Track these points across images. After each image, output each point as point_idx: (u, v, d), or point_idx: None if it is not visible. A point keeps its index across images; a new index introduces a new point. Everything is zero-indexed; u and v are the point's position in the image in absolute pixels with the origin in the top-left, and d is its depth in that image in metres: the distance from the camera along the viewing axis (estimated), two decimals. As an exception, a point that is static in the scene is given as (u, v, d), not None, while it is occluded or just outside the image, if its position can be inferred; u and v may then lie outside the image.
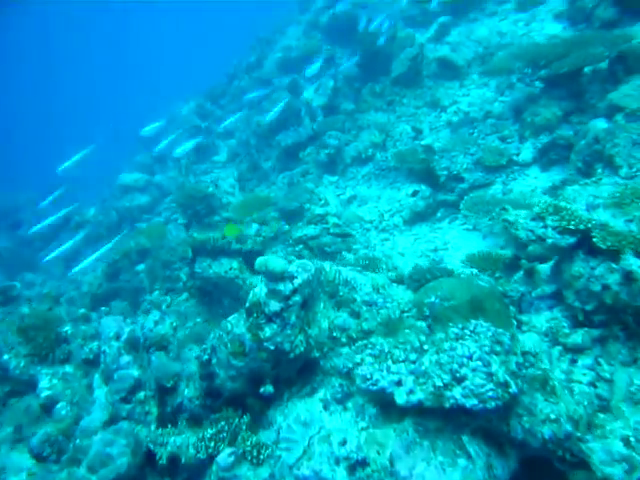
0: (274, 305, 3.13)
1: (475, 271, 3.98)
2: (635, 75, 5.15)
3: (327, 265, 3.77)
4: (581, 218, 3.15)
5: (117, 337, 3.87)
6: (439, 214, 5.76)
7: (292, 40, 14.13)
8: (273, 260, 3.14)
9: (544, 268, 3.87)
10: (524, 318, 3.36)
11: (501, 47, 7.97)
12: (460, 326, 2.81)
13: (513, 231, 4.11)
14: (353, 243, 5.73)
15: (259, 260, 3.20)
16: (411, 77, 8.19)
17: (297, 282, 3.17)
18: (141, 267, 8.21)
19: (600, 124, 4.55)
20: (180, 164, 12.31)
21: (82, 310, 5.12)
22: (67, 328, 4.28)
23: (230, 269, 5.62)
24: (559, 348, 3.05)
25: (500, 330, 2.72)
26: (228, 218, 7.84)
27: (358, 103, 8.36)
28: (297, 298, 3.17)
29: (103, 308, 6.77)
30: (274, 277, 3.15)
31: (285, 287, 3.15)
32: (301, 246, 5.87)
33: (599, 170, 4.44)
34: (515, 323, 3.25)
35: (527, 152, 5.49)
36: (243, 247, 6.27)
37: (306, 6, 15.60)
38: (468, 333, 2.74)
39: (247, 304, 3.24)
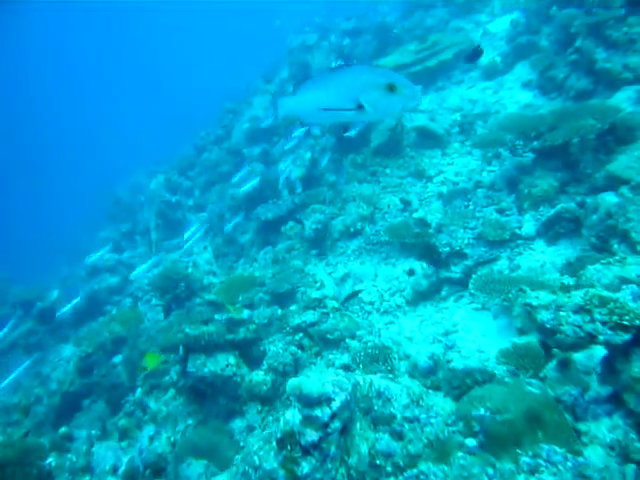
0: (311, 435, 2.69)
1: (512, 368, 3.66)
2: (629, 145, 5.16)
3: (360, 378, 3.36)
4: (635, 312, 2.91)
5: (114, 470, 3.31)
6: (443, 292, 5.49)
7: (259, 110, 14.19)
8: (308, 383, 2.74)
9: (580, 358, 3.59)
10: (582, 427, 3.03)
11: (479, 116, 8.07)
12: (531, 453, 2.44)
13: (537, 316, 3.86)
14: (356, 329, 5.35)
15: (291, 383, 2.78)
16: (392, 147, 8.15)
17: (335, 405, 2.76)
18: (118, 359, 7.54)
19: (610, 198, 4.45)
20: (150, 240, 11.82)
21: (63, 429, 4.48)
22: (51, 459, 3.66)
23: (227, 366, 5.11)
24: (633, 467, 2.70)
25: (581, 459, 2.36)
26: (213, 301, 7.36)
27: (339, 174, 8.20)
28: (336, 424, 2.75)
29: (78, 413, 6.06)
30: (310, 402, 2.73)
31: (323, 412, 2.72)
32: (301, 334, 5.45)
33: (615, 246, 4.30)
34: (575, 435, 2.90)
35: (529, 225, 5.35)
36: (235, 337, 5.81)
37: (271, 77, 15.86)
38: (543, 463, 2.37)
39: (279, 434, 2.78)
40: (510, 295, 4.39)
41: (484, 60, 10.51)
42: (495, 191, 6.17)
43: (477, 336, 4.83)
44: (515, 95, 8.94)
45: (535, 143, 5.67)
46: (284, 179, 9.10)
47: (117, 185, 24.63)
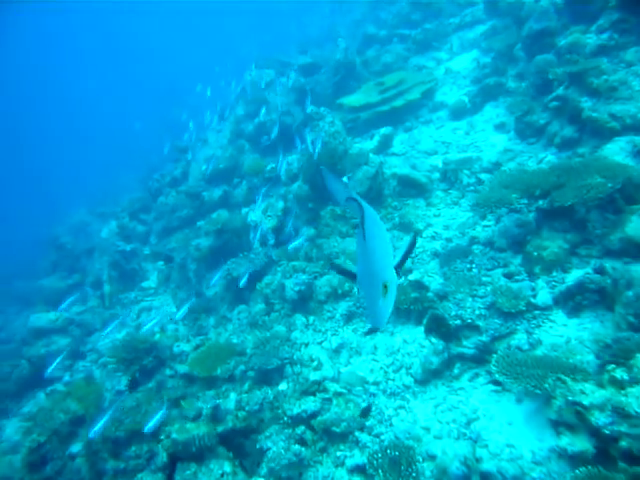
0: None
1: None
2: (641, 205, 4.92)
3: None
4: None
5: None
6: (456, 370, 4.99)
7: (216, 149, 13.50)
8: None
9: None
10: None
11: (462, 163, 7.76)
12: None
13: (590, 418, 3.41)
14: (364, 418, 4.75)
15: None
16: (373, 197, 7.71)
17: None
18: (76, 448, 6.53)
19: (643, 272, 4.13)
20: (103, 293, 10.80)
21: None
22: None
23: (222, 476, 4.36)
24: None
25: None
26: (187, 374, 6.56)
27: (319, 227, 7.65)
28: None
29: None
30: None
31: None
32: (302, 427, 4.77)
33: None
34: None
35: (545, 293, 4.97)
36: (220, 426, 5.07)
37: (227, 112, 15.20)
38: None
39: None
40: (546, 385, 3.94)
41: (451, 99, 10.39)
42: (497, 251, 5.79)
43: (502, 425, 4.35)
44: (489, 137, 8.76)
45: (541, 202, 5.35)
46: (254, 231, 8.44)
47: (57, 225, 23.02)
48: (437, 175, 7.89)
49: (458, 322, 4.97)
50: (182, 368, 6.67)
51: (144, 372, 6.91)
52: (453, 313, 5.05)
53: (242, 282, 7.22)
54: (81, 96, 52.28)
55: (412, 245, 2.46)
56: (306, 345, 6.12)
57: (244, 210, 10.50)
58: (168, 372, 6.83)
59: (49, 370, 8.11)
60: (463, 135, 9.27)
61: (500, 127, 8.76)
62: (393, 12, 15.79)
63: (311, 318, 6.59)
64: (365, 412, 4.76)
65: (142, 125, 26.32)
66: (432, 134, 9.76)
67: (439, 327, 5.08)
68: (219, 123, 14.84)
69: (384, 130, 9.63)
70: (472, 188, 7.29)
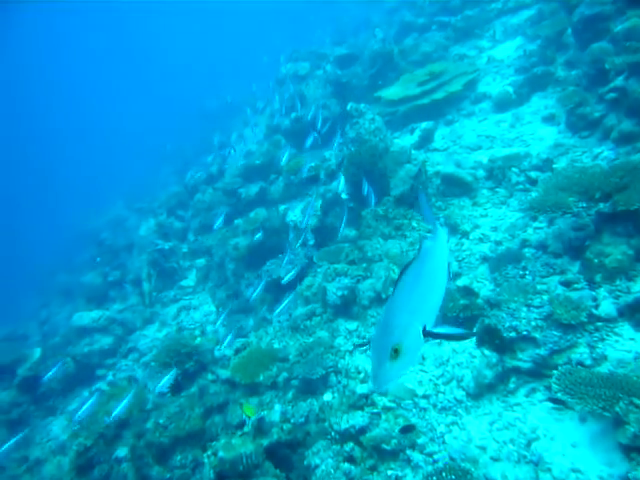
0: None
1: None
2: None
3: None
4: None
5: None
6: (511, 384, 4.75)
7: (252, 145, 13.41)
8: None
9: None
10: None
11: (508, 160, 7.41)
12: None
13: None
14: (416, 435, 4.56)
15: None
16: (416, 196, 7.44)
17: None
18: (122, 452, 6.57)
19: None
20: (143, 290, 10.88)
21: None
22: None
23: (273, 495, 4.28)
24: None
25: None
26: (229, 380, 6.50)
27: (361, 228, 7.45)
28: None
29: None
30: None
31: None
32: (351, 444, 4.63)
33: None
34: None
35: (608, 304, 4.66)
36: (265, 440, 4.98)
37: (263, 105, 15.09)
38: None
39: None
40: (617, 409, 3.67)
41: (494, 90, 9.97)
42: (552, 256, 5.48)
43: (566, 446, 4.09)
44: (537, 131, 8.35)
45: (602, 206, 5.01)
46: (294, 231, 8.31)
47: (95, 219, 23.48)
48: (483, 173, 7.55)
49: (513, 334, 4.71)
50: (224, 373, 6.61)
51: (186, 376, 6.89)
52: (507, 324, 4.79)
53: (286, 279, 7.16)
54: (116, 92, 53.31)
55: (459, 337, 2.28)
56: (351, 352, 5.96)
57: (282, 207, 10.37)
58: (210, 377, 6.79)
59: (45, 378, 8.26)
60: (508, 128, 8.88)
61: (549, 119, 8.34)
62: (430, -2, 15.25)
63: (354, 324, 6.41)
64: (409, 429, 4.56)
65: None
66: (475, 127, 9.38)
67: (492, 339, 4.83)
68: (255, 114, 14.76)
69: (425, 124, 9.32)
70: (521, 187, 6.95)
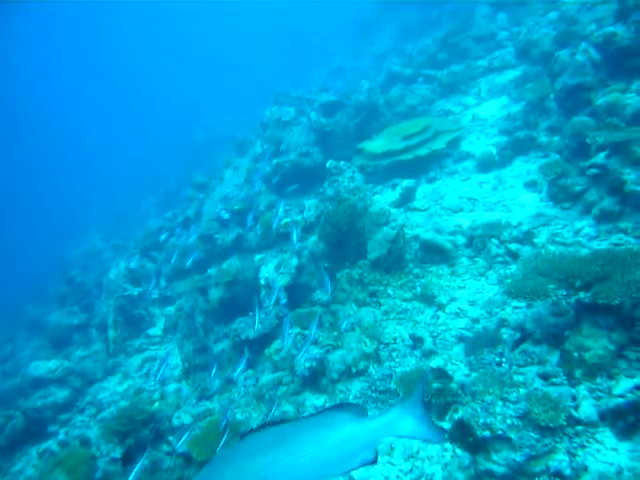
0: None
1: None
2: (701, 310, 4.32)
3: None
4: None
5: None
6: (484, 488, 4.39)
7: (232, 188, 13.17)
8: None
9: None
10: None
11: (489, 228, 7.22)
12: None
13: None
14: None
15: None
16: (392, 261, 7.18)
17: None
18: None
19: None
20: (108, 337, 10.38)
21: None
22: None
23: None
24: None
25: None
26: (185, 454, 6.05)
27: (335, 292, 7.15)
28: None
29: None
30: None
31: None
32: None
33: None
34: None
35: (588, 405, 4.36)
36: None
37: (246, 148, 14.94)
38: None
39: None
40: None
41: (478, 149, 9.91)
42: (530, 341, 5.21)
43: None
44: (518, 196, 8.23)
45: (582, 295, 4.78)
46: (265, 289, 7.98)
47: (72, 248, 22.91)
48: (463, 239, 7.34)
49: (487, 433, 4.38)
50: (181, 446, 6.15)
51: (140, 445, 6.41)
52: (481, 421, 4.47)
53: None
54: (106, 111, 53.11)
55: None
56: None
57: (257, 257, 10.06)
58: (165, 448, 6.33)
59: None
60: (490, 190, 8.75)
61: (531, 185, 8.23)
62: (418, 47, 15.45)
63: (322, 399, 6.04)
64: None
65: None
66: (457, 187, 9.25)
67: (465, 436, 4.49)
68: (240, 156, 14.58)
69: (406, 183, 9.15)
70: (501, 259, 6.74)
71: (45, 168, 47.57)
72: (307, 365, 6.19)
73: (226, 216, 11.31)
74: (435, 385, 5.24)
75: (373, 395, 5.79)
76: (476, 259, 7.00)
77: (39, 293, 19.26)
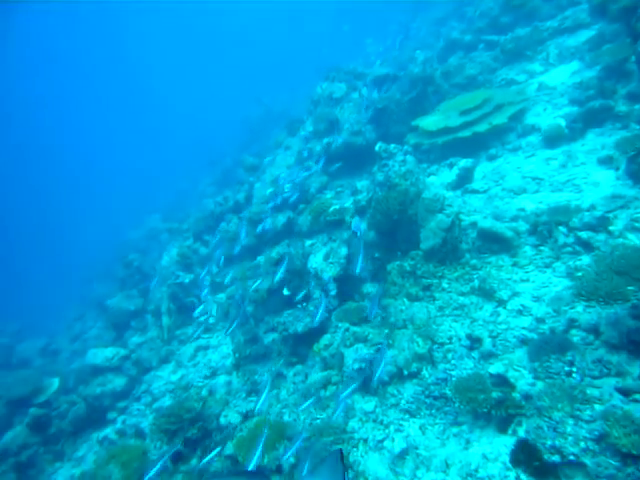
0: None
1: None
2: None
3: None
4: None
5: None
6: (551, 518, 3.90)
7: (282, 169, 12.84)
8: None
9: None
10: None
11: (555, 212, 6.48)
12: None
13: None
14: None
15: None
16: (448, 251, 6.62)
17: None
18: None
19: None
20: (162, 324, 10.45)
21: None
22: None
23: None
24: None
25: None
26: (232, 456, 5.88)
27: (385, 284, 6.70)
28: None
29: None
30: None
31: None
32: None
33: None
34: None
35: (677, 429, 3.75)
36: None
37: (297, 126, 14.52)
38: None
39: None
40: None
41: (544, 122, 9.01)
42: (605, 346, 4.58)
43: None
44: (591, 174, 7.37)
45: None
46: (314, 279, 7.63)
47: (130, 230, 23.60)
48: (525, 226, 6.65)
49: (556, 458, 3.87)
50: (228, 446, 6.00)
51: (188, 444, 6.32)
52: (549, 443, 3.95)
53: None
54: (165, 93, 54.27)
55: None
56: (365, 441, 5.23)
57: (308, 242, 9.73)
58: (213, 446, 6.19)
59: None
60: (558, 168, 7.91)
61: (606, 162, 7.34)
62: (480, 10, 14.27)
63: (372, 403, 5.67)
64: None
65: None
66: (520, 165, 8.44)
67: (530, 459, 4.00)
68: (290, 135, 14.20)
69: (464, 162, 8.45)
70: (570, 249, 6.02)
71: (114, 151, 49.51)
72: (356, 367, 5.83)
73: (276, 199, 11.02)
74: (495, 394, 4.74)
75: (427, 401, 5.36)
76: (541, 248, 6.31)
77: (106, 273, 20.01)
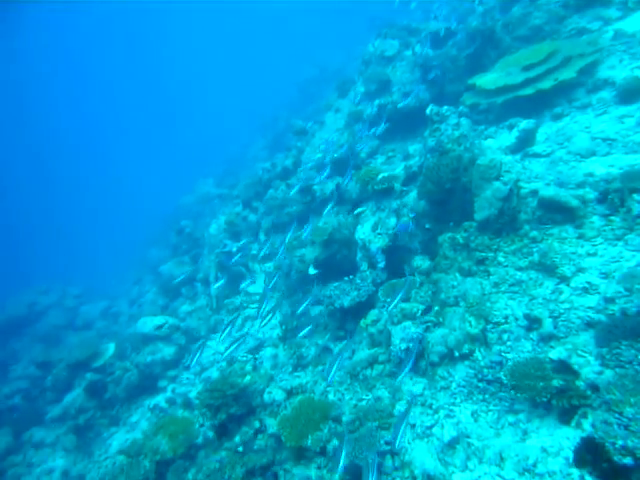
0: None
1: None
2: None
3: None
4: None
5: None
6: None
7: (332, 133, 12.40)
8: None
9: None
10: None
11: (631, 178, 5.79)
12: None
13: None
14: None
15: None
16: (504, 222, 6.09)
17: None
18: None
19: None
20: (210, 294, 10.49)
21: None
22: None
23: None
24: None
25: None
26: (276, 435, 5.79)
27: (436, 258, 6.30)
28: None
29: None
30: None
31: None
32: None
33: None
34: None
35: None
36: None
37: (347, 88, 13.93)
38: None
39: None
40: None
41: (620, 75, 8.10)
42: (686, 335, 4.05)
43: None
44: (674, 132, 6.56)
45: None
46: (362, 250, 7.31)
47: (184, 195, 23.93)
48: (594, 194, 6.00)
49: (628, 460, 3.45)
50: (272, 424, 5.91)
51: (232, 420, 6.28)
52: (619, 443, 3.53)
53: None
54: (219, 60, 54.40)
55: None
56: (412, 426, 4.97)
57: (358, 210, 9.36)
58: (257, 424, 6.11)
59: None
60: (634, 127, 7.10)
61: (692, 118, 6.51)
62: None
63: (420, 385, 5.37)
64: None
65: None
66: (590, 125, 7.65)
67: (597, 460, 3.61)
68: (341, 97, 13.68)
69: (525, 123, 7.74)
70: (648, 219, 5.38)
71: (172, 119, 50.74)
72: (403, 347, 5.53)
73: (326, 165, 10.67)
74: (556, 382, 4.33)
75: (480, 385, 5.01)
76: (612, 218, 5.66)
77: (161, 237, 20.54)
